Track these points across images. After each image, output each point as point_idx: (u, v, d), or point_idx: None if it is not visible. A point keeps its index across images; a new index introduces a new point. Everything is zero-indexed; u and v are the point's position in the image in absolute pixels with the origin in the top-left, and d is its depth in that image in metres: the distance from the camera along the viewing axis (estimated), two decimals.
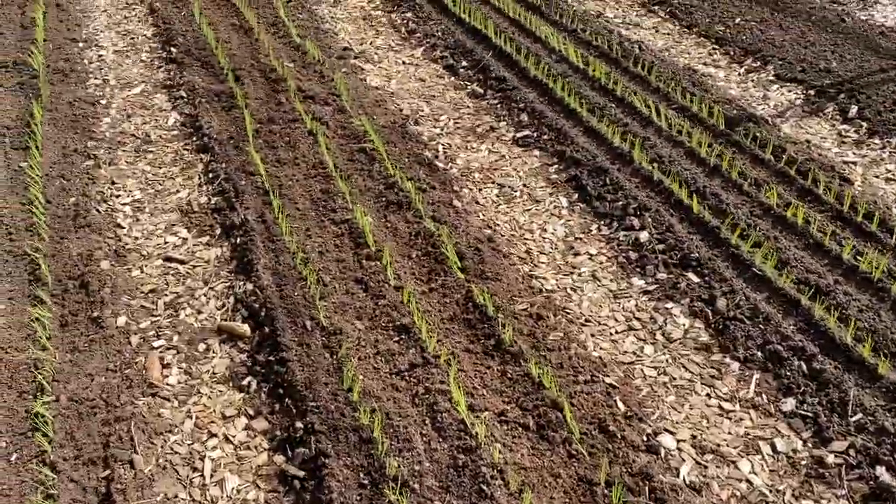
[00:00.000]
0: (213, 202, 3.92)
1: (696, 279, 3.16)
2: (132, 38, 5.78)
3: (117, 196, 4.02)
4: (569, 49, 4.95)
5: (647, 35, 5.28)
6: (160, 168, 4.25)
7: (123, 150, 4.42)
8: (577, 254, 3.42)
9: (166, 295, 3.37)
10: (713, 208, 3.51)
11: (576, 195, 3.78)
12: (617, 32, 5.25)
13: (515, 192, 3.87)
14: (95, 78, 5.22)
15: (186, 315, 3.25)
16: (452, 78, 5.00)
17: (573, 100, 4.41)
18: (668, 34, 5.30)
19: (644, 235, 3.38)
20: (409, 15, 5.80)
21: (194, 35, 5.59)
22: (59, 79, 5.14)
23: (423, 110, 4.67)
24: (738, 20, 5.23)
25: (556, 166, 4.01)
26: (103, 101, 4.93)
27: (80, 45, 5.68)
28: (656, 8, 5.62)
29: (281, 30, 5.60)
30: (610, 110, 4.32)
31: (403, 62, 5.25)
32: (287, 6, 5.97)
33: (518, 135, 4.29)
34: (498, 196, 3.85)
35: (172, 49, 5.44)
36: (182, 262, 3.55)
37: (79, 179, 4.11)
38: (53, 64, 5.30)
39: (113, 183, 4.12)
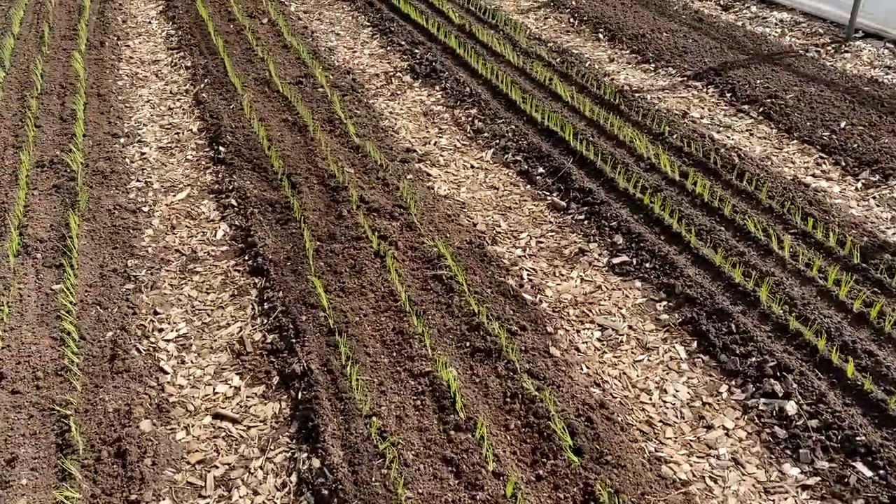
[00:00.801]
0: (268, 340, 3.41)
1: (868, 472, 2.56)
2: (177, 133, 5.39)
3: (160, 330, 3.53)
4: (660, 157, 4.45)
5: (741, 140, 4.79)
6: (208, 294, 3.76)
7: (167, 270, 3.94)
8: (709, 426, 2.83)
9: (216, 467, 2.83)
10: (872, 372, 2.93)
11: (694, 343, 3.22)
12: (709, 137, 4.75)
13: (620, 335, 3.32)
14: (137, 180, 4.81)
15: (240, 497, 2.70)
16: (529, 186, 4.51)
17: (674, 219, 3.89)
18: (766, 138, 4.80)
19: (791, 406, 2.80)
20: (473, 112, 5.36)
21: (244, 132, 5.19)
22: (99, 181, 4.73)
23: (499, 225, 4.17)
24: (843, 124, 4.72)
25: (664, 303, 3.46)
26: (145, 209, 4.50)
27: (122, 140, 5.30)
28: (746, 108, 5.13)
29: (338, 127, 5.18)
30: (719, 234, 3.78)
31: (472, 166, 4.79)
32: (343, 101, 5.57)
33: (614, 260, 3.76)
34: (600, 341, 3.30)
35: (220, 148, 5.04)
36: (234, 422, 3.02)
37: (117, 308, 3.62)
38: (93, 163, 4.91)
39: (155, 313, 3.63)
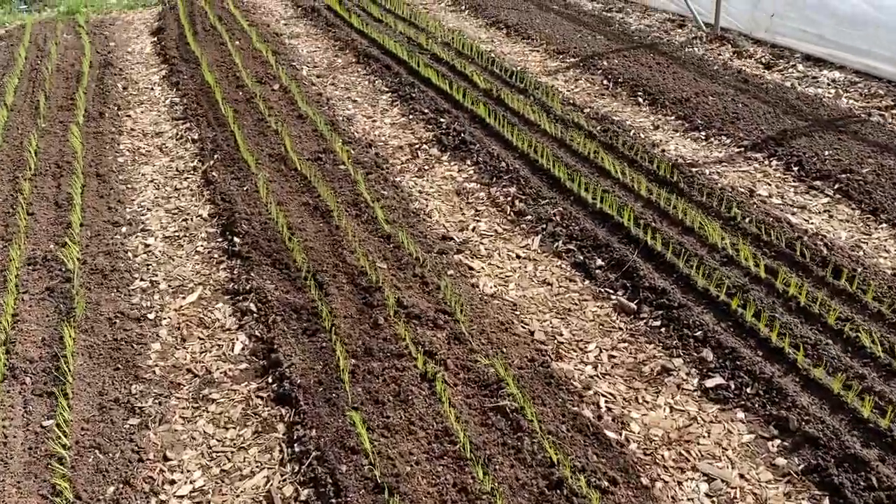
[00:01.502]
0: (302, 497, 2.82)
1: None
2: (185, 220, 4.86)
3: (171, 482, 2.94)
4: (738, 248, 3.92)
5: (822, 223, 4.26)
6: (227, 430, 3.18)
7: (178, 398, 3.37)
8: None
9: None
10: None
11: (827, 502, 2.63)
12: (785, 221, 4.23)
13: (732, 488, 2.73)
14: (142, 279, 4.26)
15: None
16: (587, 282, 3.96)
17: (772, 330, 3.34)
18: (848, 221, 4.28)
19: None
20: (512, 190, 4.85)
21: (261, 218, 4.65)
22: (98, 281, 4.18)
23: (561, 334, 3.61)
24: None
25: (778, 442, 2.89)
26: (151, 316, 3.93)
27: (123, 229, 4.76)
28: (819, 184, 4.63)
29: (364, 212, 4.65)
30: (827, 349, 3.23)
31: (518, 256, 4.25)
32: (367, 179, 5.06)
33: (707, 383, 3.20)
34: (710, 497, 2.71)
35: (235, 238, 4.50)
36: None
37: (120, 452, 3.04)
38: (91, 259, 4.36)
39: (165, 458, 3.04)
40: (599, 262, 4.05)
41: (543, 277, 4.05)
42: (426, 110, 6.16)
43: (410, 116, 6.17)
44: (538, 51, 7.48)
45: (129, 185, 5.35)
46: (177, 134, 6.16)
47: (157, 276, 4.30)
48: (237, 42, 8.13)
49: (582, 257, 4.11)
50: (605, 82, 6.53)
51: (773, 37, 7.04)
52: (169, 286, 4.20)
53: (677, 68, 6.56)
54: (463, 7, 9.16)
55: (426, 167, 5.35)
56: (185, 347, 3.70)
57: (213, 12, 9.38)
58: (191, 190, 5.26)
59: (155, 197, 5.20)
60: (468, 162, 5.32)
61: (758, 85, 6.10)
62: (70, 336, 3.65)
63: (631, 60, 6.84)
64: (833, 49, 6.42)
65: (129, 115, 6.60)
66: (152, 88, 7.23)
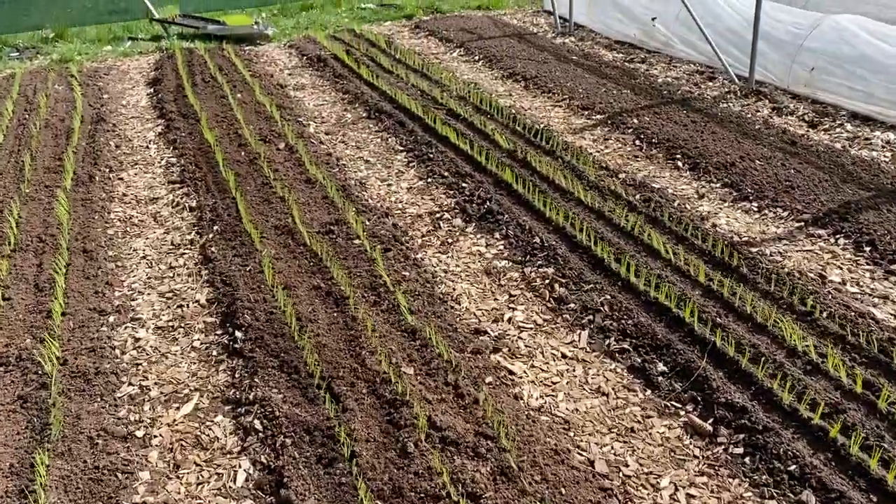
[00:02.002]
0: None
1: None
2: (180, 307, 4.31)
3: None
4: (825, 354, 3.37)
5: None
6: None
7: None
8: None
9: None
10: None
11: None
12: (869, 316, 3.69)
13: None
14: (130, 383, 3.69)
15: None
16: (649, 392, 3.40)
17: (890, 473, 2.77)
18: None
19: None
20: (549, 271, 4.31)
21: (265, 306, 4.10)
22: (79, 388, 3.61)
23: (626, 464, 3.04)
24: None
25: None
26: (140, 433, 3.36)
27: (111, 318, 4.20)
28: None
29: (384, 299, 4.11)
30: None
31: (564, 356, 3.69)
32: (385, 257, 4.52)
33: None
34: None
35: (236, 332, 3.94)
36: None
37: None
38: (73, 359, 3.79)
39: None
40: (661, 366, 3.49)
41: (597, 384, 3.49)
42: (446, 173, 5.66)
43: (429, 180, 5.66)
44: (561, 106, 7.01)
45: (118, 263, 4.80)
46: (173, 200, 5.63)
47: (147, 378, 3.73)
48: (239, 95, 7.67)
49: (640, 360, 3.55)
50: (637, 142, 6.04)
51: (815, 92, 6.59)
52: (161, 392, 3.63)
53: (715, 127, 6.08)
54: (476, 58, 8.73)
55: (450, 240, 4.82)
56: (178, 477, 3.12)
57: (214, 62, 8.94)
58: (187, 268, 4.71)
59: (147, 277, 4.64)
60: (496, 235, 4.79)
61: (806, 147, 5.62)
62: (43, 463, 3.07)
63: (663, 118, 6.36)
64: (883, 107, 5.95)
65: (121, 178, 6.08)
66: (147, 147, 6.72)
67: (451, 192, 5.42)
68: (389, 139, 6.52)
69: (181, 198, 5.65)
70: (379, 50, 9.19)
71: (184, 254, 4.89)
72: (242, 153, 6.22)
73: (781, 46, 6.93)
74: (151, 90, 8.28)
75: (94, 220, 5.30)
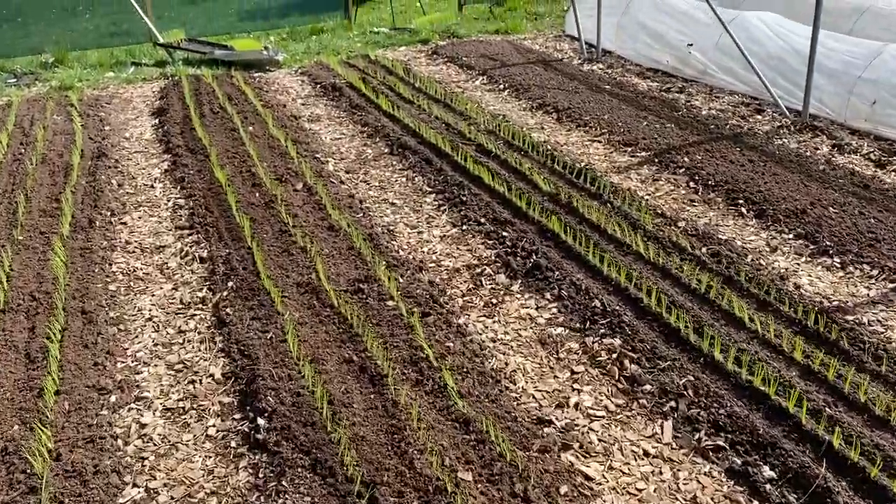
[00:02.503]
0: None
1: None
2: (192, 382, 3.75)
3: None
4: None
5: None
6: None
7: None
8: None
9: None
10: None
11: None
12: None
13: None
14: (135, 484, 3.13)
15: None
16: None
17: None
18: None
19: None
20: (616, 342, 3.76)
21: (291, 385, 3.54)
22: (74, 491, 3.05)
23: None
24: None
25: None
26: None
27: (112, 398, 3.65)
28: None
29: (428, 377, 3.55)
30: None
31: (646, 453, 3.13)
32: (424, 323, 3.97)
33: None
34: None
35: (259, 419, 3.38)
36: None
37: None
38: (67, 453, 3.24)
39: None
40: (768, 471, 2.93)
41: (691, 493, 2.92)
42: (482, 220, 5.12)
43: (464, 227, 5.12)
44: (600, 141, 6.49)
45: (121, 327, 4.25)
46: (181, 249, 5.09)
47: (154, 478, 3.16)
48: (251, 128, 7.15)
49: (740, 461, 2.99)
50: (691, 184, 5.51)
51: (876, 127, 6.07)
52: (172, 497, 3.06)
53: (775, 167, 5.55)
54: (502, 87, 8.23)
55: (494, 301, 4.27)
56: None
57: (222, 90, 8.44)
58: (199, 333, 4.15)
59: (154, 344, 4.09)
60: (547, 295, 4.24)
61: (882, 191, 5.09)
62: None
63: (715, 156, 5.84)
64: None
65: (124, 223, 5.54)
66: (153, 186, 6.19)
67: (490, 241, 4.88)
68: (416, 178, 5.99)
69: (191, 246, 5.11)
70: (397, 78, 8.69)
71: (195, 315, 4.34)
72: (257, 194, 5.69)
73: (836, 77, 6.43)
74: (156, 121, 7.77)
75: (93, 274, 4.75)
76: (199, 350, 4.01)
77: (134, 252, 5.12)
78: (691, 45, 7.99)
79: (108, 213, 5.66)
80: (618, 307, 3.99)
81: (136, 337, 4.16)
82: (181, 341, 4.10)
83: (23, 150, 6.87)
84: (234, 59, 9.90)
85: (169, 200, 5.89)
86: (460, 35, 11.00)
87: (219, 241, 5.08)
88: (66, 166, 6.48)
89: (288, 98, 8.39)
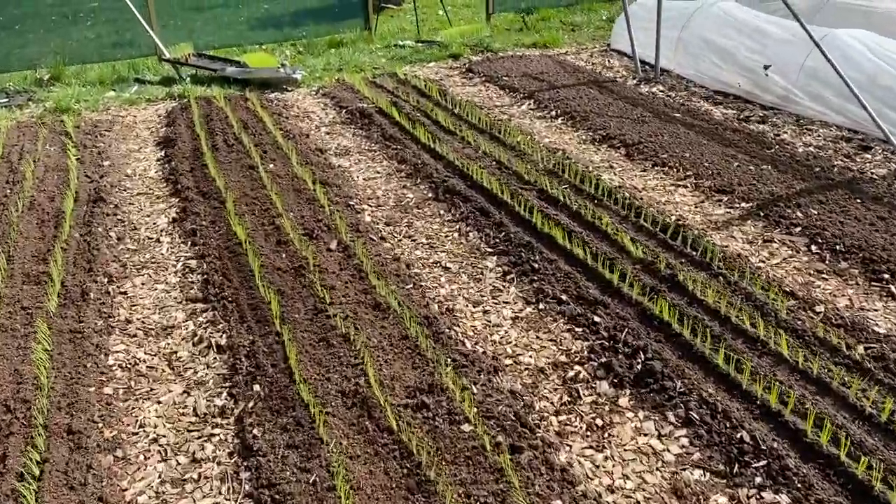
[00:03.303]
0: None
1: None
2: None
3: None
4: None
5: None
6: None
7: None
8: None
9: None
10: None
11: None
12: None
13: None
14: None
15: None
16: None
17: None
18: None
19: None
20: (783, 500, 2.77)
21: None
22: None
23: None
24: None
25: None
26: None
27: None
28: None
29: None
30: None
31: None
32: (517, 462, 3.00)
33: None
34: None
35: None
36: None
37: None
38: None
39: None
40: None
41: None
42: (563, 296, 4.15)
43: (541, 306, 4.16)
44: (685, 186, 5.52)
45: (118, 454, 3.29)
46: (194, 333, 4.13)
47: None
48: (271, 165, 6.19)
49: None
50: (813, 248, 4.53)
51: None
52: None
53: None
54: (553, 113, 7.25)
55: (600, 423, 3.30)
56: None
57: (236, 115, 7.48)
58: (219, 464, 3.19)
59: (160, 481, 3.13)
60: (671, 416, 3.27)
61: None
62: None
63: (834, 209, 4.87)
64: None
65: (124, 293, 4.58)
66: (158, 240, 5.23)
67: (579, 329, 3.91)
68: (470, 234, 5.02)
69: (205, 327, 4.15)
70: (432, 102, 7.72)
71: (213, 435, 3.38)
72: (283, 255, 4.73)
73: None
74: (162, 154, 6.81)
75: (85, 371, 3.79)
76: (220, 495, 3.04)
77: (135, 336, 4.16)
78: (769, 66, 7.00)
79: (105, 280, 4.70)
80: (774, 442, 3.01)
81: (138, 470, 3.20)
82: (196, 477, 3.14)
83: (8, 192, 5.92)
84: (247, 78, 8.95)
85: (178, 261, 4.93)
86: (494, 49, 10.03)
87: (240, 321, 4.12)
88: (57, 213, 5.53)
89: (310, 125, 7.43)
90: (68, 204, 5.63)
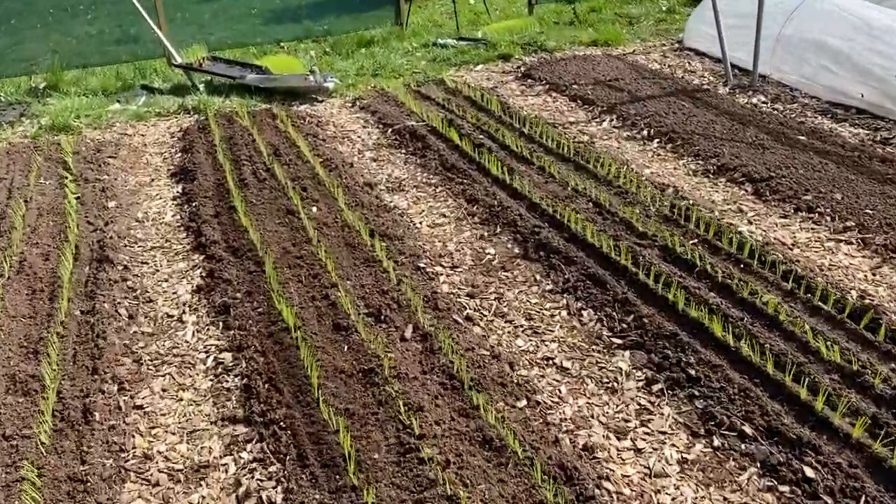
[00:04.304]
0: None
1: None
2: None
3: None
4: None
5: None
6: None
7: None
8: None
9: None
10: None
11: None
12: None
13: None
14: None
15: None
16: None
17: None
18: None
19: None
20: None
21: None
22: None
23: None
24: None
25: None
26: None
27: None
28: None
29: None
30: None
31: None
32: None
33: None
34: None
35: None
36: None
37: None
38: None
39: None
40: None
41: None
42: (747, 428, 3.02)
43: (716, 442, 3.02)
44: (849, 242, 4.34)
45: None
46: (237, 481, 3.00)
47: None
48: (314, 208, 5.05)
49: None
50: None
51: None
52: None
53: None
54: (645, 133, 6.06)
55: None
56: None
57: (263, 136, 6.32)
58: None
59: None
60: None
61: None
62: None
63: None
64: None
65: (139, 407, 3.46)
66: (181, 320, 4.10)
67: (785, 486, 2.75)
68: (584, 313, 3.87)
69: (251, 472, 3.02)
70: (492, 117, 6.54)
71: None
72: (346, 349, 3.60)
73: None
74: (179, 189, 5.67)
75: None
76: None
77: (158, 485, 3.03)
78: None
79: (115, 387, 3.57)
80: None
81: None
82: None
83: None
84: (271, 87, 7.76)
85: (208, 353, 3.80)
86: (549, 48, 8.80)
87: (299, 464, 3.00)
88: (52, 279, 4.41)
89: (352, 149, 6.26)
90: (66, 265, 4.51)
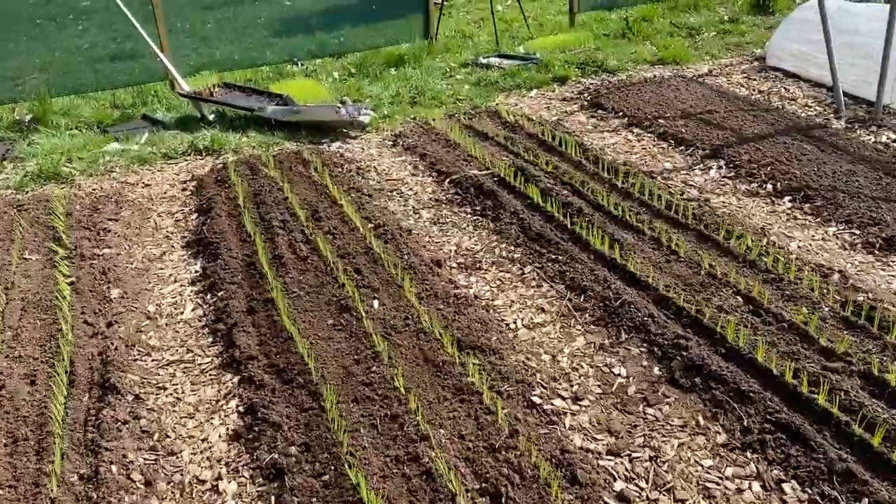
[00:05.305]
0: None
1: None
2: None
3: None
4: None
5: None
6: None
7: None
8: None
9: None
10: None
11: None
12: None
13: None
14: None
15: None
16: None
17: None
18: None
19: None
20: None
21: None
22: None
23: None
24: None
25: None
26: None
27: None
28: None
29: None
30: None
31: None
32: None
33: None
34: None
35: None
36: None
37: None
38: None
39: None
40: None
41: None
42: None
43: None
44: None
45: None
46: None
47: None
48: (375, 301, 3.93)
49: None
50: None
51: None
52: None
53: None
54: (769, 187, 4.95)
55: None
56: None
57: (296, 192, 5.21)
58: None
59: None
60: None
61: None
62: None
63: None
64: None
65: None
66: (216, 488, 2.97)
67: None
68: (785, 489, 2.74)
69: None
70: (568, 162, 5.44)
71: None
72: None
73: None
74: (198, 268, 4.54)
75: None
76: None
77: None
78: None
79: None
80: None
81: None
82: None
83: None
84: (296, 121, 6.63)
85: None
86: (610, 69, 7.68)
87: None
88: (40, 423, 3.28)
89: (406, 207, 5.13)
90: (58, 395, 3.37)
